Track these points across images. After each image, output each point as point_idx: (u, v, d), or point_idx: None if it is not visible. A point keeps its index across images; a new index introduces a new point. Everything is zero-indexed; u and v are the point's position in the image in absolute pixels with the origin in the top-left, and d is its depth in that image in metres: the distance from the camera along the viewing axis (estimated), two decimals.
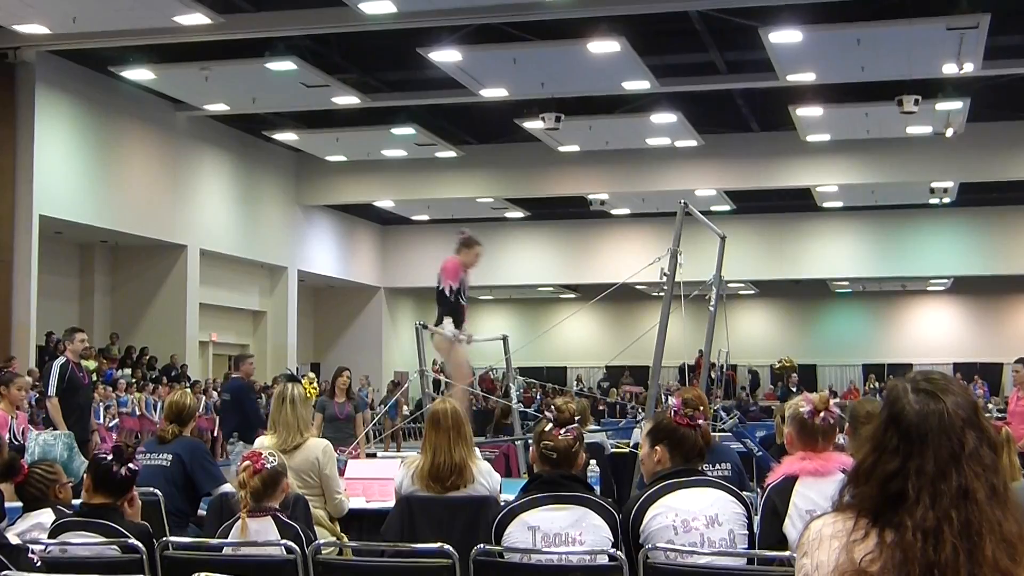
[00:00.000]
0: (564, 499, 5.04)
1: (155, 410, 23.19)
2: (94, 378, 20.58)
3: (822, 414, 5.17)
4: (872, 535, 2.35)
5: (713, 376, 19.17)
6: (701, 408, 5.07)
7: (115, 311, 27.11)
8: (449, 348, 11.02)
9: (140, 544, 5.17)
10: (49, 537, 5.32)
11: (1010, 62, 21.87)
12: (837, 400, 5.39)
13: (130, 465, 5.42)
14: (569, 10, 18.71)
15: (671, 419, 5.01)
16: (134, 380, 24.15)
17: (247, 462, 5.36)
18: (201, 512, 7.36)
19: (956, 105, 23.74)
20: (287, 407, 7.06)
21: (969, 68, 20.79)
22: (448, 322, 10.89)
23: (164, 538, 5.44)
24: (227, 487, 7.27)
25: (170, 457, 7.36)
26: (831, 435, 5.21)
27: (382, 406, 26.65)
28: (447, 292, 10.95)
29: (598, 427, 15.86)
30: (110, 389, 22.92)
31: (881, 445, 2.42)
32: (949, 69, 21.02)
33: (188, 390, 9.62)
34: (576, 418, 5.42)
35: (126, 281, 27.13)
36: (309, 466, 6.98)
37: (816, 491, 4.86)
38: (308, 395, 7.10)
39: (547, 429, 5.23)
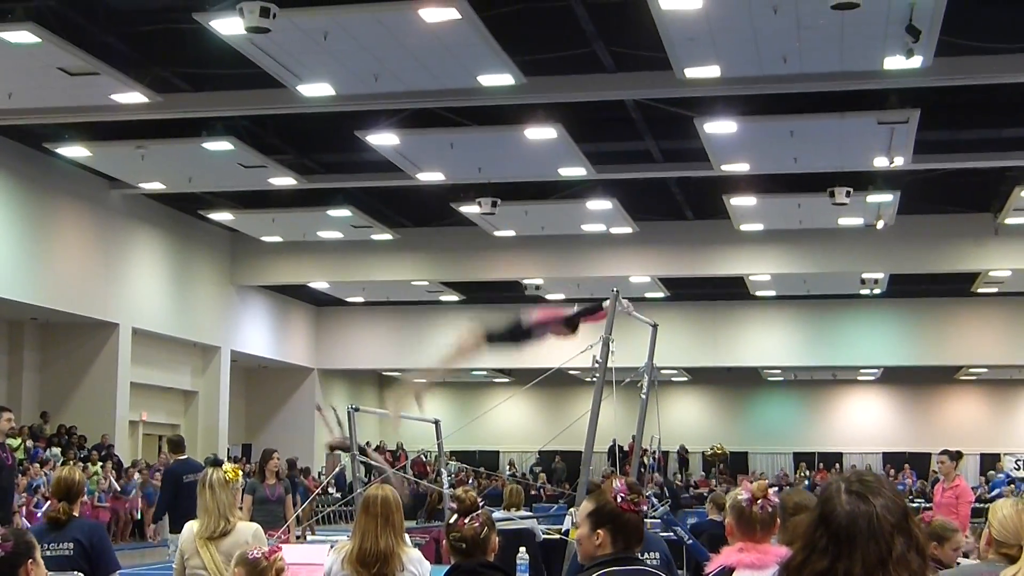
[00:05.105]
0: None
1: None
2: (19, 457, 20.19)
3: (760, 502, 5.16)
4: None
5: (646, 462, 19.19)
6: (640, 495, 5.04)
7: (44, 389, 26.70)
8: None
9: None
10: None
11: (939, 156, 22.26)
12: (776, 490, 5.36)
13: None
14: (506, 97, 18.85)
15: (616, 504, 4.99)
16: (64, 460, 23.65)
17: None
18: None
19: (887, 198, 24.13)
20: (207, 493, 6.98)
21: (899, 162, 21.16)
22: None
23: None
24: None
25: (71, 546, 6.96)
26: (770, 524, 5.18)
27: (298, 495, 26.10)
28: None
29: (529, 513, 15.79)
30: (38, 466, 22.44)
31: (812, 543, 2.42)
32: (880, 162, 21.37)
33: (78, 465, 9.42)
34: (481, 503, 5.39)
35: (56, 359, 26.77)
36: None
37: None
38: (229, 479, 7.03)
39: (452, 521, 5.23)
